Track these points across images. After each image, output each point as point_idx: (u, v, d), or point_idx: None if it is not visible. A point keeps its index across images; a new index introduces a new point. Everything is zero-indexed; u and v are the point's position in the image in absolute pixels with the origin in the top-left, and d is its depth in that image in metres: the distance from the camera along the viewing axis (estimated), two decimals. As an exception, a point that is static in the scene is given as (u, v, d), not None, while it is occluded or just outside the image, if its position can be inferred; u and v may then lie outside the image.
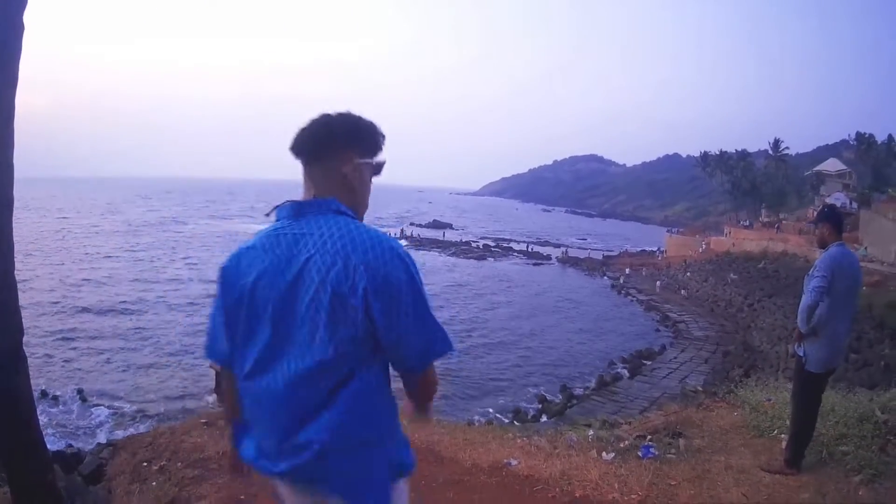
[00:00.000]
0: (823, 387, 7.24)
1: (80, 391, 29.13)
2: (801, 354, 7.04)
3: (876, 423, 7.90)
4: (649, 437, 8.26)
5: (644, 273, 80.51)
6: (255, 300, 2.67)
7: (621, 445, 7.96)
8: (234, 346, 2.78)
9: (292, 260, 2.63)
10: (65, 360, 34.73)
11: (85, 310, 46.37)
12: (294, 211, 2.75)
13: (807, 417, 7.16)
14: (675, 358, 43.56)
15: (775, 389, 10.25)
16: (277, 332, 2.63)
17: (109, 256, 71.77)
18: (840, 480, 6.80)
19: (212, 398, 8.23)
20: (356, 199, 2.86)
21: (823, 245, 7.15)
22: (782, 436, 7.84)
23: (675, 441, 8.04)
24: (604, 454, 7.58)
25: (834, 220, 7.17)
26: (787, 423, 7.71)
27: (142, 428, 22.45)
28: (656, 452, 7.60)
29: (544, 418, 30.29)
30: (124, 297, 50.87)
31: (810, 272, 7.03)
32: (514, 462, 7.21)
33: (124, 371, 33.49)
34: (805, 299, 6.90)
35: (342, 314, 2.54)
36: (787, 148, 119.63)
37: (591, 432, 8.50)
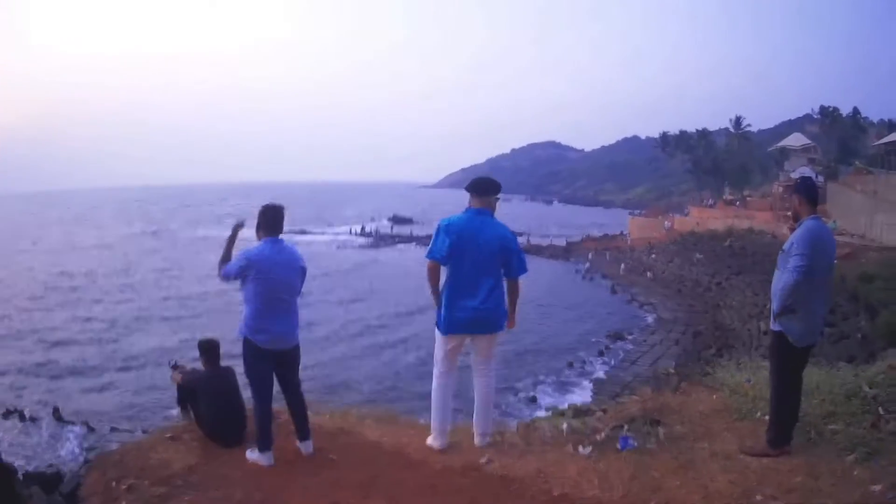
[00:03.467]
0: (804, 363, 7.02)
1: (55, 410, 28.02)
2: (778, 329, 6.69)
3: (864, 398, 7.71)
4: (626, 426, 7.89)
5: (608, 257, 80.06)
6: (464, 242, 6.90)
7: (598, 438, 7.58)
8: (450, 257, 6.91)
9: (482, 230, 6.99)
10: (41, 377, 34.69)
11: (58, 330, 45.23)
12: (478, 212, 7.06)
13: (787, 395, 6.91)
14: (645, 340, 43.53)
15: (755, 370, 9.87)
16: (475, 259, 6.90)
17: (75, 274, 70.07)
18: (832, 460, 6.54)
19: (176, 411, 7.97)
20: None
21: (797, 218, 6.93)
22: (766, 417, 7.44)
23: (654, 429, 7.68)
24: (580, 448, 7.21)
25: (806, 193, 6.93)
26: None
27: (114, 444, 21.93)
28: (635, 443, 7.25)
29: (512, 408, 29.64)
30: (92, 315, 49.60)
31: (786, 248, 6.82)
32: (487, 461, 6.92)
33: (98, 388, 33.21)
34: (785, 278, 6.58)
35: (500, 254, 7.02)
36: (749, 125, 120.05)
37: (564, 425, 8.11)
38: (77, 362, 37.27)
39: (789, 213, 7.29)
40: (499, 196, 7.37)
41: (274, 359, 7.13)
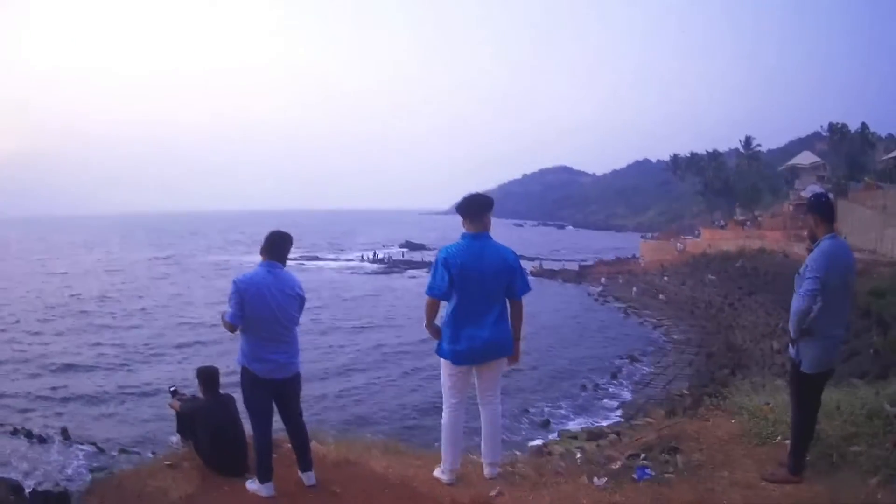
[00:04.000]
0: (821, 388, 6.70)
1: (64, 430, 28.64)
2: (794, 356, 6.42)
3: (886, 418, 7.36)
4: (643, 455, 7.65)
5: (621, 281, 79.97)
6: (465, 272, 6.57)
7: (613, 467, 7.31)
8: (452, 291, 6.63)
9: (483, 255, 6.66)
10: (51, 400, 34.52)
11: (68, 354, 44.91)
12: (475, 237, 6.72)
13: (807, 422, 6.63)
14: (658, 362, 43.36)
15: (772, 392, 9.54)
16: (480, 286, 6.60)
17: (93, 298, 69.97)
18: (856, 484, 6.26)
19: (175, 439, 7.77)
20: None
21: (813, 238, 6.63)
22: (787, 441, 7.14)
23: (672, 457, 7.38)
24: (595, 479, 6.92)
25: (821, 210, 6.63)
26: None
27: (123, 465, 21.99)
28: (653, 473, 6.95)
29: (525, 432, 29.27)
30: (104, 340, 49.44)
31: (801, 271, 6.51)
32: (497, 494, 6.65)
33: (108, 412, 33.06)
34: (797, 303, 6.30)
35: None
36: (759, 145, 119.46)
37: (578, 454, 7.80)
38: (88, 386, 37.20)
39: (805, 234, 7.02)
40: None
41: (273, 388, 6.92)
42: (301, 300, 7.13)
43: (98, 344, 47.16)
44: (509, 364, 7.12)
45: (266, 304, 6.74)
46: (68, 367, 40.70)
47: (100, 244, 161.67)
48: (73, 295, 70.18)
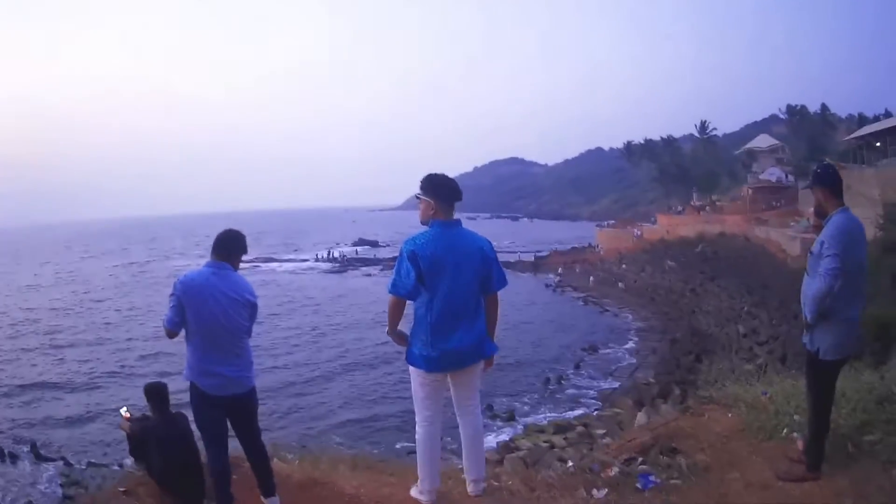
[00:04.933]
0: (836, 377, 6.14)
1: (33, 446, 28.27)
2: (810, 344, 5.79)
3: None
4: (640, 459, 6.94)
5: (578, 270, 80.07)
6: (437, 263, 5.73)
7: (610, 475, 6.60)
8: (421, 289, 5.74)
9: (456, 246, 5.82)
10: (19, 417, 33.89)
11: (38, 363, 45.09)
12: (446, 225, 5.85)
13: (826, 413, 6.04)
14: (622, 351, 43.22)
15: (768, 381, 8.95)
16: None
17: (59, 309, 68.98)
18: (878, 476, 5.78)
19: (129, 461, 7.20)
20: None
21: (822, 214, 6.05)
22: (794, 434, 6.77)
23: (674, 460, 6.71)
24: (595, 491, 6.23)
25: (830, 182, 6.02)
26: (795, 418, 7.00)
27: (92, 478, 21.81)
28: (657, 480, 6.27)
29: (490, 427, 28.63)
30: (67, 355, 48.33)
31: (815, 250, 5.89)
32: (489, 516, 5.94)
33: (76, 424, 32.70)
34: (817, 284, 5.62)
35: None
36: (714, 129, 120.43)
37: (570, 463, 7.11)
38: (55, 401, 36.53)
39: (810, 211, 6.38)
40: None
41: (225, 406, 6.05)
42: (252, 307, 6.23)
43: (62, 360, 45.97)
44: (485, 369, 6.21)
45: (209, 310, 5.90)
46: (36, 383, 39.66)
47: (58, 254, 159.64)
48: (30, 308, 68.55)
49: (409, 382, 6.00)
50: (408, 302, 5.88)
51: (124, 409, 7.67)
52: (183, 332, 6.02)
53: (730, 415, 8.01)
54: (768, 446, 6.91)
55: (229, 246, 6.22)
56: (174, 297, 5.89)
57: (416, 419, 6.12)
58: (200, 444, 6.51)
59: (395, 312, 5.92)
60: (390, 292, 5.81)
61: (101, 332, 56.32)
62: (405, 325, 5.95)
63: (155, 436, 6.82)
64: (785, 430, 7.06)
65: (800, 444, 6.42)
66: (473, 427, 6.21)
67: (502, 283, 6.04)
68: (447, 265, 5.69)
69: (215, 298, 5.91)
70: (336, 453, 9.07)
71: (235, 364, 6.04)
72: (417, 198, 5.97)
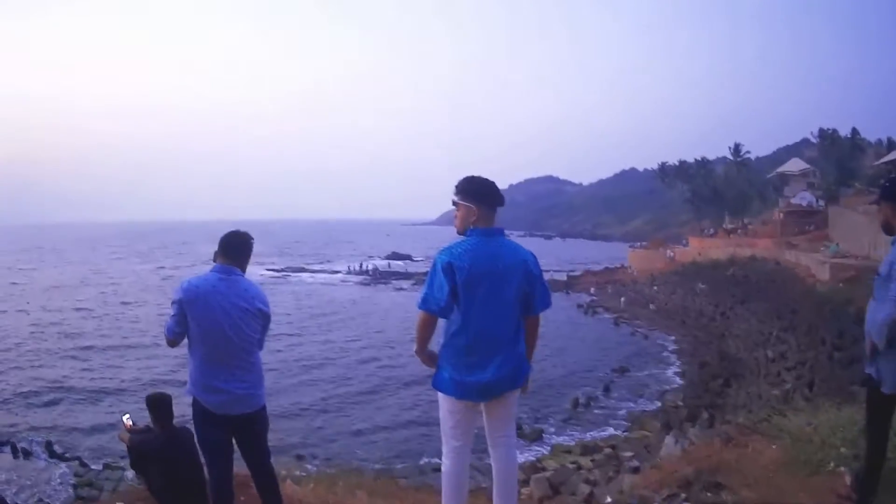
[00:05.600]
0: (892, 411, 5.61)
1: (48, 444, 28.52)
2: (875, 375, 5.44)
3: None
4: (683, 495, 6.56)
5: (610, 290, 79.66)
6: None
7: (654, 513, 6.30)
8: (455, 306, 5.02)
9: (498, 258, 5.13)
10: (36, 415, 33.88)
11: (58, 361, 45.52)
12: (488, 234, 5.16)
13: (883, 448, 5.66)
14: (651, 374, 42.79)
15: (812, 411, 8.69)
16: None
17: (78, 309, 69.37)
18: None
19: (130, 474, 6.98)
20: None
21: (890, 231, 5.58)
22: (841, 468, 6.41)
23: (717, 495, 6.34)
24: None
25: None
26: (842, 451, 6.65)
27: (106, 481, 23.04)
28: (702, 519, 5.95)
29: (520, 446, 28.34)
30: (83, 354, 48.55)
31: (882, 272, 5.44)
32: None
33: (93, 425, 32.06)
34: (888, 310, 5.21)
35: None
36: (748, 152, 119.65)
37: (609, 499, 6.72)
38: (73, 401, 36.44)
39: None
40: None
41: (231, 425, 5.57)
42: (264, 317, 5.71)
43: (87, 362, 45.84)
44: (522, 391, 5.41)
45: (214, 319, 5.40)
46: (55, 382, 39.70)
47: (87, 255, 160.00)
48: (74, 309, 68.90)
49: (437, 402, 5.50)
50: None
51: (126, 416, 7.13)
52: (186, 343, 5.57)
53: (774, 446, 7.68)
54: (816, 482, 6.56)
55: (239, 247, 5.73)
56: (176, 304, 5.42)
57: (443, 450, 5.41)
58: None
59: (425, 331, 5.21)
60: (420, 308, 5.10)
61: (130, 336, 56.08)
62: (435, 344, 5.31)
63: (155, 451, 6.43)
64: (832, 464, 6.71)
65: (847, 479, 6.11)
66: (507, 461, 5.47)
67: (546, 303, 5.32)
68: (487, 280, 5.00)
69: (222, 308, 5.43)
70: (356, 475, 8.72)
71: (243, 380, 5.56)
72: (455, 203, 5.29)
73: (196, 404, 5.49)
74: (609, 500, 6.67)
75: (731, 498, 6.33)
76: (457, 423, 5.26)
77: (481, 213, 5.13)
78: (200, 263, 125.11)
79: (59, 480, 25.37)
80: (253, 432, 5.72)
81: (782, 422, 8.29)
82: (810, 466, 6.86)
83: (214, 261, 5.68)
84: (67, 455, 27.80)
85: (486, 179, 5.31)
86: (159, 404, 6.52)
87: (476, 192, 5.19)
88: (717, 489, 6.54)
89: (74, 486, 24.20)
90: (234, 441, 5.68)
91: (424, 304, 5.05)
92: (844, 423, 7.43)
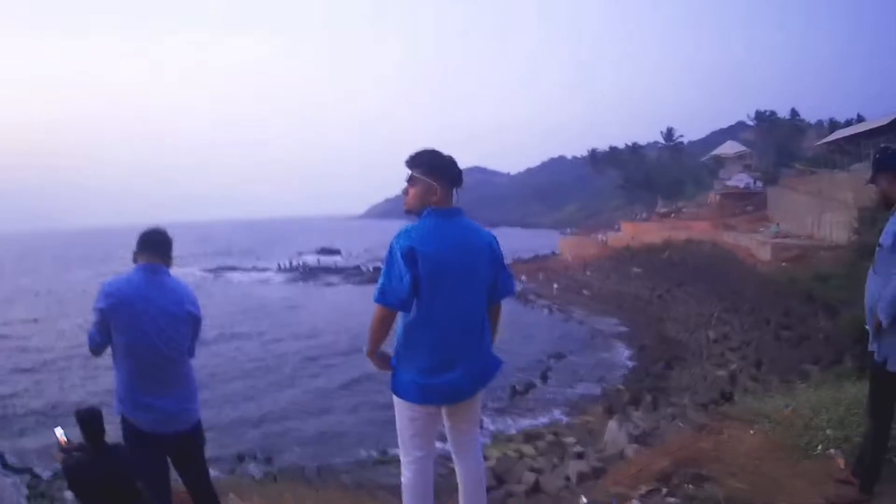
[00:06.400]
0: None
1: (1, 456, 27.46)
2: (878, 353, 4.68)
3: None
4: (664, 489, 5.94)
5: (541, 278, 79.13)
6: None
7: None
8: (416, 298, 4.37)
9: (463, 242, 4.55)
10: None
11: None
12: (447, 214, 4.54)
13: (884, 430, 5.25)
14: (589, 359, 42.39)
15: (784, 392, 8.00)
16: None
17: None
18: None
19: (69, 495, 6.21)
20: None
21: (890, 203, 5.04)
22: (831, 451, 6.15)
23: (703, 489, 5.76)
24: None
25: None
26: (828, 433, 6.49)
27: (59, 491, 21.52)
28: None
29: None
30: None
31: (884, 243, 4.91)
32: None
33: (43, 435, 30.70)
34: (892, 285, 4.69)
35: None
36: (681, 136, 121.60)
37: (583, 500, 5.83)
38: (22, 411, 35.07)
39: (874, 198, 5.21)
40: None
41: (165, 444, 4.90)
42: (194, 321, 5.08)
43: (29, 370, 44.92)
44: None
45: (141, 329, 4.71)
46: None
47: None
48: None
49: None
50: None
51: (59, 430, 6.03)
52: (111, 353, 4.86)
53: (752, 431, 7.22)
54: (808, 467, 6.12)
55: (161, 242, 5.07)
56: (97, 311, 4.74)
57: (402, 461, 4.73)
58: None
59: (381, 328, 4.52)
60: (377, 302, 4.43)
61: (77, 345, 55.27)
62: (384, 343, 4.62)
63: (88, 473, 5.56)
64: (819, 447, 6.34)
65: (840, 463, 5.84)
66: (476, 467, 4.94)
67: (510, 289, 4.92)
68: (453, 266, 4.41)
69: (149, 314, 4.77)
70: (302, 484, 7.80)
71: (175, 395, 4.92)
72: (411, 180, 4.63)
73: (125, 423, 4.91)
74: (584, 500, 5.81)
75: (718, 490, 5.77)
76: (418, 431, 4.61)
77: (443, 192, 4.56)
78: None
79: (11, 493, 23.42)
80: (189, 450, 5.15)
81: (757, 405, 7.90)
82: (798, 451, 6.48)
83: (135, 261, 5.01)
84: (18, 465, 26.86)
85: (449, 155, 4.71)
86: (89, 420, 5.68)
87: (441, 167, 4.60)
88: (700, 481, 5.99)
89: (28, 498, 23.08)
90: (169, 460, 5.09)
91: (382, 297, 4.40)
92: (827, 403, 7.18)
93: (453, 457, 4.90)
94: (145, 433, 4.76)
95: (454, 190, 4.59)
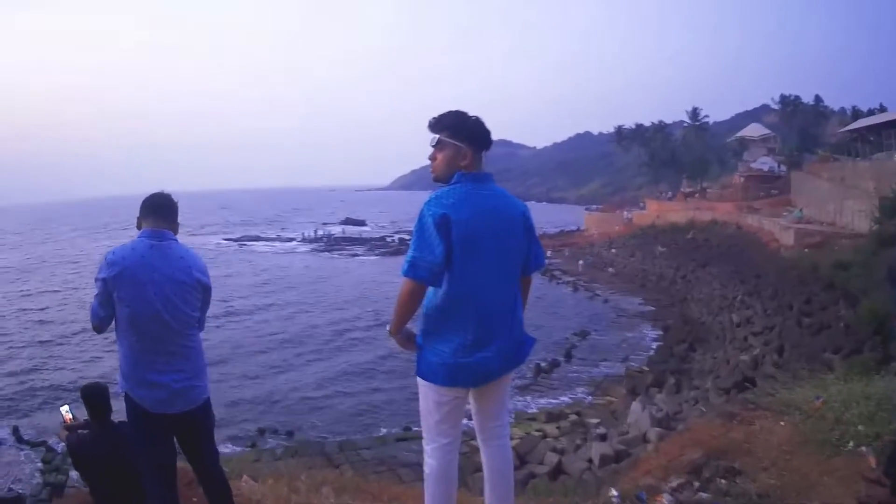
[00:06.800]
0: None
1: (15, 430, 28.04)
2: None
3: None
4: (696, 483, 5.84)
5: (567, 254, 79.02)
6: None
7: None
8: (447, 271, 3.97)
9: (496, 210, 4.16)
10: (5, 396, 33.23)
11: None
12: (478, 179, 4.16)
13: None
14: (613, 338, 42.37)
15: (816, 382, 8.03)
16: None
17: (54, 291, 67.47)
18: None
19: (75, 475, 6.21)
20: None
21: None
22: (861, 448, 5.92)
23: (734, 483, 5.69)
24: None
25: None
26: (859, 428, 6.21)
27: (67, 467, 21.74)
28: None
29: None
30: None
31: None
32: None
33: (58, 406, 31.04)
34: None
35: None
36: (706, 116, 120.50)
37: (613, 493, 5.85)
38: (39, 385, 35.38)
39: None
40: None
41: (171, 424, 4.62)
42: (204, 289, 4.77)
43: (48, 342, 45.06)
44: None
45: (146, 299, 4.42)
46: (18, 367, 38.80)
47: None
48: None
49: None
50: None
51: (65, 408, 5.97)
52: (114, 328, 4.60)
53: (783, 423, 7.08)
54: (837, 463, 5.99)
55: (166, 206, 4.78)
56: (100, 282, 4.46)
57: (426, 448, 4.36)
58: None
59: (410, 304, 4.09)
60: (406, 275, 3.98)
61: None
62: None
63: (93, 452, 5.49)
64: (851, 443, 6.15)
65: (871, 461, 5.60)
66: (503, 456, 4.54)
67: (541, 261, 4.48)
68: (488, 235, 4.02)
69: (154, 283, 4.47)
70: (320, 465, 7.86)
71: (182, 370, 4.59)
72: (438, 144, 4.21)
73: (129, 402, 4.56)
74: (615, 492, 5.79)
75: (751, 485, 5.67)
76: (444, 417, 4.24)
77: (472, 156, 4.14)
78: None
79: (27, 466, 24.85)
80: (196, 431, 4.82)
81: (787, 395, 7.63)
82: (829, 446, 6.30)
83: (139, 227, 4.68)
84: (35, 441, 27.06)
85: (475, 115, 4.25)
86: (94, 397, 5.56)
87: (468, 128, 4.18)
88: (732, 475, 5.90)
89: (42, 472, 23.56)
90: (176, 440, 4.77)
91: (412, 269, 3.96)
92: (857, 396, 6.92)
93: (479, 443, 4.56)
94: (150, 413, 4.52)
95: (483, 153, 4.23)
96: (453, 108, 4.27)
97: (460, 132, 4.13)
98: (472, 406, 4.45)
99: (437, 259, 3.88)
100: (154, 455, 4.63)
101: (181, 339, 4.56)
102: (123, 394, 4.56)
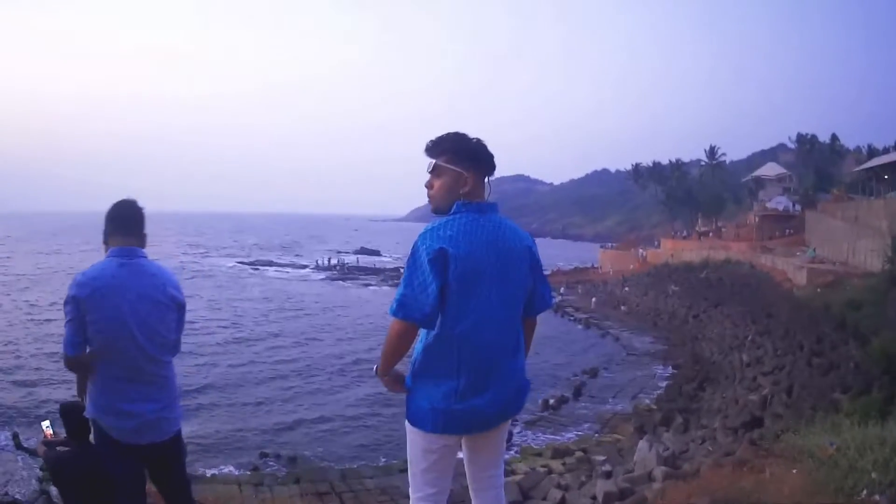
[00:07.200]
0: None
1: (15, 436, 27.74)
2: None
3: None
4: None
5: (580, 290, 78.95)
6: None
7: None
8: (442, 308, 3.62)
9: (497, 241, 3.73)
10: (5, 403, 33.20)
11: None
12: (481, 210, 3.78)
13: None
14: (623, 376, 42.11)
15: (830, 429, 7.84)
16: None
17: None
18: None
19: (54, 491, 6.05)
20: None
21: None
22: (875, 497, 5.67)
23: None
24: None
25: None
26: (873, 476, 5.85)
27: None
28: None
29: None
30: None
31: None
32: None
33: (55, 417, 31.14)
34: None
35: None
36: (723, 154, 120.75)
37: None
38: (37, 391, 35.48)
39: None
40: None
41: (138, 453, 4.38)
42: (178, 308, 4.54)
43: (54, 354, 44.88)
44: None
45: (120, 322, 4.18)
46: (25, 377, 38.70)
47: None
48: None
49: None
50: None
51: (46, 423, 5.76)
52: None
53: (794, 471, 6.82)
54: None
55: (133, 218, 4.47)
56: (69, 304, 4.18)
57: (412, 496, 3.98)
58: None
59: (399, 346, 3.77)
60: (396, 315, 3.66)
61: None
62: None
63: (69, 470, 5.30)
64: (864, 492, 5.90)
65: None
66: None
67: (548, 301, 4.12)
68: (488, 272, 3.65)
69: (129, 303, 4.23)
70: (321, 495, 7.78)
71: (156, 399, 4.36)
72: (435, 169, 3.86)
73: (97, 427, 4.38)
74: None
75: None
76: (432, 465, 3.87)
77: (474, 182, 3.79)
78: (180, 253, 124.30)
79: (24, 473, 24.60)
80: (165, 464, 4.63)
81: (800, 441, 7.43)
82: (842, 495, 6.02)
83: (106, 243, 4.43)
84: (33, 448, 26.71)
85: (476, 138, 3.89)
86: (72, 415, 5.26)
87: (471, 153, 3.82)
88: None
89: (39, 480, 22.86)
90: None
91: (402, 309, 3.63)
92: (872, 442, 6.64)
93: (471, 492, 4.21)
94: (118, 442, 4.31)
95: (486, 180, 3.88)
96: (451, 131, 3.88)
97: (461, 156, 3.80)
98: (464, 454, 4.10)
99: (429, 299, 3.58)
100: (122, 478, 4.42)
101: (155, 366, 4.37)
102: (91, 420, 4.38)
